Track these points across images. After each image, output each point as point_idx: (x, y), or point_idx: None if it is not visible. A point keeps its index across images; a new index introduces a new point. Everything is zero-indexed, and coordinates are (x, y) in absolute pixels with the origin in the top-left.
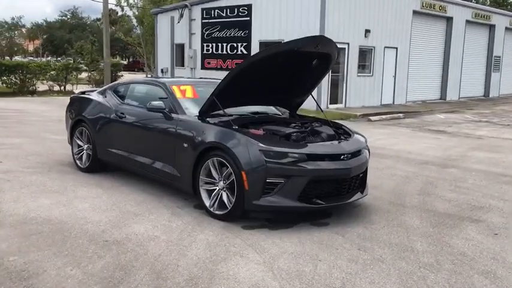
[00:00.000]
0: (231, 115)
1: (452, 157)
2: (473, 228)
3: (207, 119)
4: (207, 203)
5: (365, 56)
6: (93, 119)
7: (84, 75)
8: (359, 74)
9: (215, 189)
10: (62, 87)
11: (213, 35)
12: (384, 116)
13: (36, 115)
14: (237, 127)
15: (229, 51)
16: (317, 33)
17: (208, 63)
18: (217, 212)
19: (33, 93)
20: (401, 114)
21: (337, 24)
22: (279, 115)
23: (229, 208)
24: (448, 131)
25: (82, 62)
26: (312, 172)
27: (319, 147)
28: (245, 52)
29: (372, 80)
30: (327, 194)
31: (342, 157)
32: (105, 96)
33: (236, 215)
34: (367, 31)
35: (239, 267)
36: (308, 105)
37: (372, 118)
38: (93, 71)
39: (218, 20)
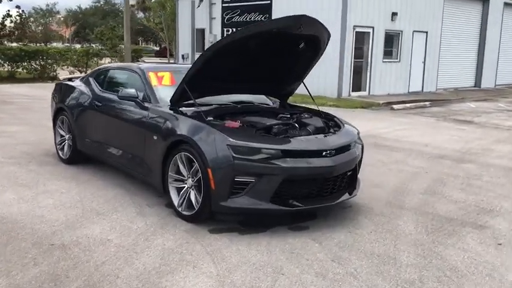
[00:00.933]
0: (211, 104)
1: (473, 150)
2: (475, 236)
3: (181, 109)
4: (175, 201)
5: (392, 40)
6: (72, 107)
7: (106, 60)
8: (385, 60)
9: (184, 187)
10: (83, 73)
11: (233, 20)
12: (408, 105)
13: (48, 102)
14: (210, 118)
15: None
16: (339, 17)
17: None
18: (185, 213)
19: (54, 79)
20: (427, 103)
21: (361, 7)
22: (268, 105)
23: (196, 209)
24: (475, 121)
25: (103, 47)
26: (286, 170)
27: (297, 143)
28: None
29: (398, 66)
30: (306, 195)
31: (323, 153)
32: (87, 83)
33: (204, 217)
34: (394, 14)
35: (186, 281)
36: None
37: (395, 106)
38: (114, 56)
39: (238, 4)
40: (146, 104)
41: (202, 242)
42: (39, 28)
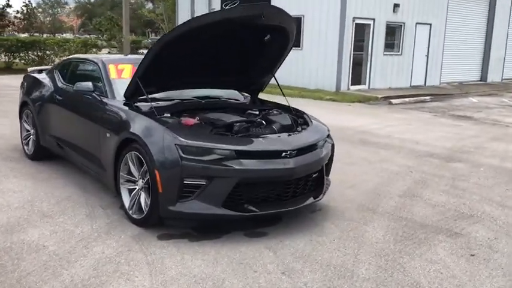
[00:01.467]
0: (171, 99)
1: (465, 148)
2: (447, 245)
3: (137, 104)
4: (126, 204)
5: (393, 32)
6: (35, 101)
7: (104, 51)
8: (386, 53)
9: (135, 188)
10: None
11: None
12: (407, 99)
13: None
14: (166, 115)
15: None
16: (338, 9)
17: None
18: (135, 216)
19: None
20: (428, 97)
21: None
22: (238, 100)
23: (145, 213)
24: (474, 117)
25: (101, 38)
26: (240, 173)
27: (254, 143)
28: None
29: (400, 59)
30: (264, 199)
31: (283, 154)
32: (51, 76)
33: (153, 221)
34: (396, 5)
35: None
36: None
37: (394, 101)
38: (113, 47)
39: None
40: (103, 99)
41: (146, 250)
42: (48, 19)
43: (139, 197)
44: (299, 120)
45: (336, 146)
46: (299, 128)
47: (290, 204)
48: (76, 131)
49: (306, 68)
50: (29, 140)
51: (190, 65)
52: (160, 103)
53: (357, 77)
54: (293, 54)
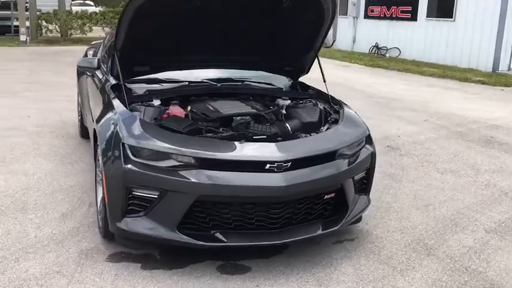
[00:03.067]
0: (179, 81)
1: None
2: None
3: (129, 85)
4: (98, 206)
5: None
6: (79, 74)
7: None
8: None
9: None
10: None
11: None
12: None
13: None
14: (150, 101)
15: None
16: None
17: (372, 11)
18: (100, 224)
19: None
20: None
21: None
22: (271, 85)
23: (100, 224)
24: None
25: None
26: (199, 188)
27: (228, 148)
28: None
29: None
30: (241, 226)
31: (267, 166)
32: (96, 48)
33: (108, 236)
34: None
35: None
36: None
37: None
38: None
39: None
40: (104, 77)
41: (76, 275)
42: None
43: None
44: (331, 117)
45: (443, 143)
46: (323, 128)
47: (282, 235)
48: (87, 112)
49: (458, 43)
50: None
51: (197, 38)
52: (157, 86)
53: None
54: (442, 27)
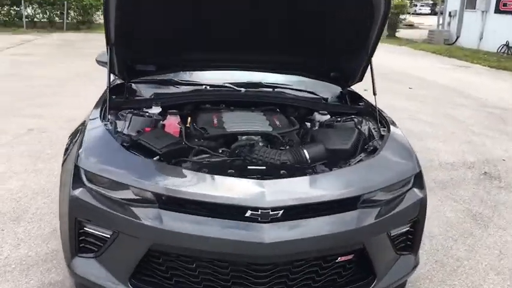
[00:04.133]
0: (198, 84)
1: None
2: None
3: (135, 85)
4: None
5: None
6: None
7: None
8: None
9: None
10: None
11: None
12: None
13: None
14: (148, 107)
15: None
16: None
17: (505, 4)
18: None
19: None
20: None
21: None
22: (313, 94)
23: None
24: None
25: None
26: (156, 234)
27: (199, 182)
28: None
29: None
30: (213, 287)
31: (248, 213)
32: None
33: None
34: None
35: None
36: None
37: None
38: None
39: None
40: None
41: None
42: None
43: None
44: (369, 144)
45: None
46: (353, 160)
47: None
48: None
49: None
50: None
51: (217, 30)
52: (168, 89)
53: None
54: None
